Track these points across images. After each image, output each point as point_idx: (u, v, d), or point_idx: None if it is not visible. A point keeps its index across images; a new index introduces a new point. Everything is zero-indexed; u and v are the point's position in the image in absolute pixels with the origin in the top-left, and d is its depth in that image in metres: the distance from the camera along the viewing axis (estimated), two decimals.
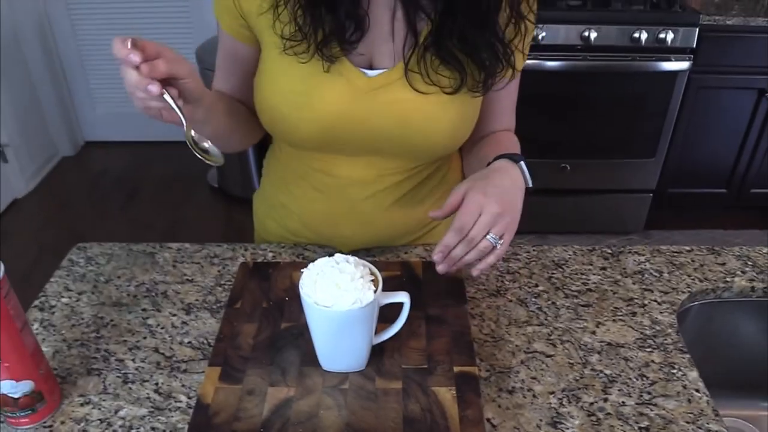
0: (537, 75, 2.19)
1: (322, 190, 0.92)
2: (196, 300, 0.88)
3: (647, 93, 2.28)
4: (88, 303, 0.88)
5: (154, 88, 0.66)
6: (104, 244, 1.00)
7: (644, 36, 2.15)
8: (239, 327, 0.77)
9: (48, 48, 3.05)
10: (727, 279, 0.93)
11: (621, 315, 0.86)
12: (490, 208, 0.72)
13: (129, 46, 0.65)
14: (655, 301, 0.89)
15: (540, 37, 2.14)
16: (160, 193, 2.98)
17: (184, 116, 0.70)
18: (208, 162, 0.75)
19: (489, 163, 0.82)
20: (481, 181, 0.75)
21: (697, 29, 2.18)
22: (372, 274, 0.69)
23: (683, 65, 2.20)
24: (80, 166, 3.25)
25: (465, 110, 0.86)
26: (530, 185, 0.81)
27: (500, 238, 0.73)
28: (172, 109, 0.69)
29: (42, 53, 3.01)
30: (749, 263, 0.97)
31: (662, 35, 2.15)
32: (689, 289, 0.91)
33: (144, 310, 0.86)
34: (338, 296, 0.63)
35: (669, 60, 2.20)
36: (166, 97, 0.68)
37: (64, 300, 0.89)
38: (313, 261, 0.70)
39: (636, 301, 0.89)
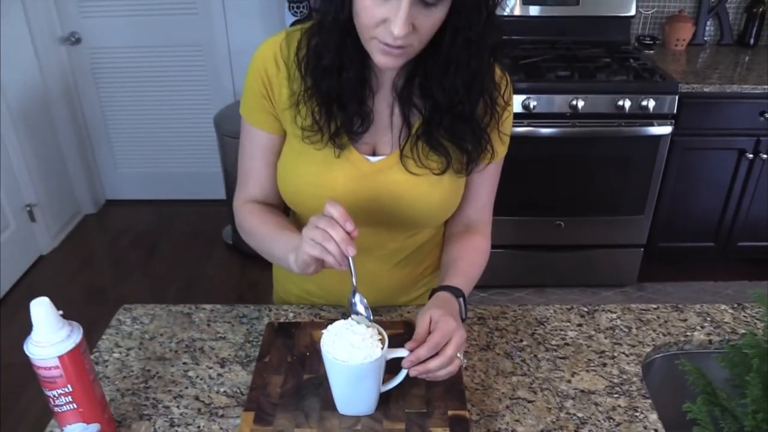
0: (532, 140, 2.37)
1: None
2: (229, 355, 1.02)
3: (634, 155, 2.46)
4: (136, 357, 1.03)
5: (352, 249, 0.81)
6: (147, 305, 1.15)
7: (628, 104, 2.33)
8: (268, 378, 0.92)
9: (74, 111, 3.27)
10: (688, 333, 1.08)
11: (593, 366, 1.00)
12: (461, 332, 0.86)
13: (341, 210, 0.82)
14: (624, 353, 1.03)
15: (532, 106, 2.33)
16: (178, 250, 3.14)
17: (355, 277, 0.87)
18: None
19: (439, 288, 0.97)
20: (443, 310, 0.89)
21: (677, 96, 2.36)
22: (380, 333, 0.84)
23: (666, 129, 2.38)
24: (102, 224, 3.43)
25: (451, 189, 1.03)
26: (464, 318, 0.96)
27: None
28: (349, 268, 0.85)
29: (69, 116, 3.22)
30: (708, 319, 1.11)
31: (644, 103, 2.34)
32: (654, 343, 1.05)
33: (185, 363, 1.01)
34: (352, 353, 0.79)
35: (652, 125, 2.38)
36: (351, 259, 0.83)
37: (115, 355, 1.04)
38: (329, 320, 0.85)
39: (607, 353, 1.03)
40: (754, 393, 0.68)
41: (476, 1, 0.82)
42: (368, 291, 1.10)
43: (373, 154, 1.00)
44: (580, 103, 2.34)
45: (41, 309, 0.76)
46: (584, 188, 2.55)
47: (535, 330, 1.08)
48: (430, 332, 0.86)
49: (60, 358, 0.77)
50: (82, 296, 2.79)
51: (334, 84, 0.90)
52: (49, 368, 0.77)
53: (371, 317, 0.88)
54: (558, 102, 2.35)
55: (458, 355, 0.85)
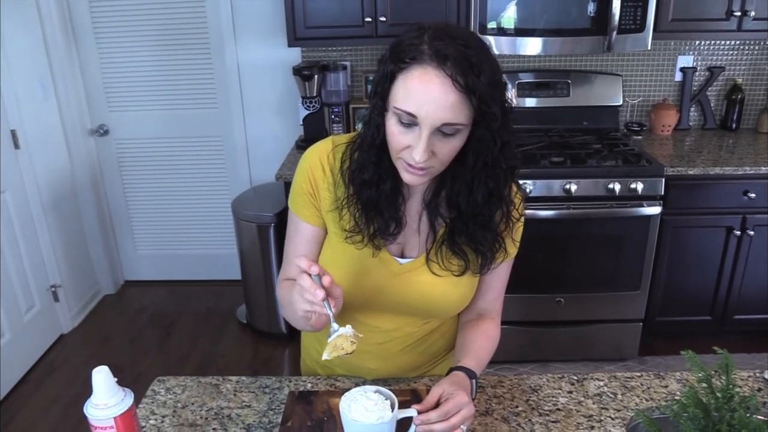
0: (531, 222, 2.43)
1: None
2: (254, 421, 1.14)
3: (626, 234, 2.61)
4: (170, 424, 1.14)
5: (320, 293, 0.91)
6: (179, 377, 1.28)
7: (618, 187, 2.51)
8: None
9: (99, 197, 3.47)
10: (668, 398, 1.19)
11: (582, 429, 1.11)
12: (470, 407, 1.00)
13: (309, 264, 0.93)
14: (610, 417, 1.14)
15: (529, 190, 2.51)
16: (194, 329, 3.26)
17: (333, 319, 0.96)
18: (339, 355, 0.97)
19: (456, 368, 1.10)
20: (457, 386, 1.02)
21: (664, 179, 2.54)
22: (390, 399, 0.96)
23: (655, 210, 2.54)
24: (120, 304, 3.56)
25: (468, 287, 1.18)
26: (474, 398, 1.09)
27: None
28: (326, 311, 0.94)
29: (93, 202, 3.43)
30: (687, 385, 1.22)
31: (633, 185, 2.51)
32: (637, 407, 1.16)
33: (214, 429, 1.13)
34: (367, 415, 0.91)
35: (642, 206, 2.54)
36: (325, 303, 0.93)
37: (151, 422, 1.15)
38: (343, 389, 0.98)
39: (594, 417, 1.14)
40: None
41: (491, 133, 0.98)
42: (384, 366, 1.25)
43: (402, 255, 1.16)
44: (573, 187, 2.51)
45: (101, 376, 0.89)
46: (582, 266, 2.68)
47: (530, 397, 1.20)
48: (439, 402, 1.00)
49: (115, 419, 0.89)
50: None
51: (372, 193, 1.07)
52: (105, 428, 0.89)
53: (350, 331, 0.98)
54: (553, 186, 2.53)
55: (462, 426, 0.98)
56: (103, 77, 3.28)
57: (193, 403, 1.20)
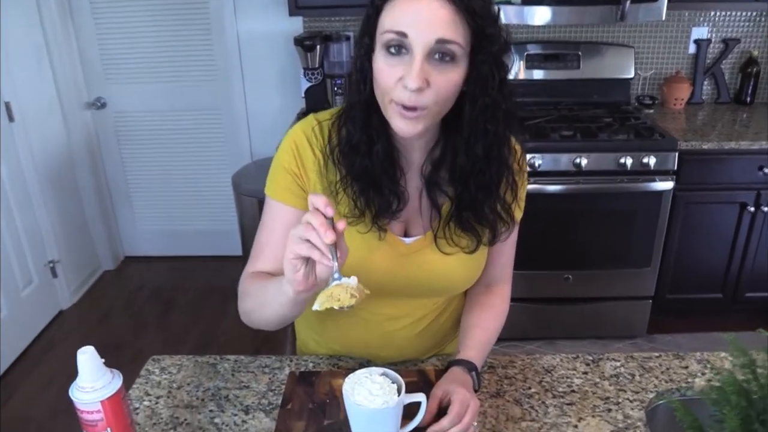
0: (538, 198, 2.46)
1: (365, 325, 1.16)
2: (253, 402, 1.08)
3: (637, 210, 2.54)
4: (165, 405, 1.09)
5: (330, 234, 0.78)
6: (174, 356, 1.22)
7: (629, 161, 2.43)
8: (291, 424, 0.98)
9: (97, 172, 3.41)
10: (689, 380, 1.13)
11: (599, 411, 1.05)
12: (475, 401, 0.95)
13: (326, 203, 0.80)
14: (628, 399, 1.08)
15: (537, 164, 2.43)
16: (194, 306, 3.21)
17: (337, 269, 0.82)
18: (341, 307, 0.83)
19: (454, 362, 1.05)
20: (456, 383, 0.98)
21: (677, 153, 2.46)
22: (397, 382, 0.90)
23: (667, 185, 2.47)
24: (120, 280, 3.51)
25: (480, 261, 1.12)
26: (477, 390, 1.05)
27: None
28: (330, 261, 0.80)
29: (92, 176, 3.36)
30: (708, 366, 1.16)
31: (645, 160, 2.43)
32: (656, 389, 1.10)
33: (211, 411, 1.07)
34: (371, 399, 0.85)
35: (654, 181, 2.46)
36: (331, 249, 0.79)
37: (145, 403, 1.10)
38: (347, 369, 0.92)
39: (611, 399, 1.08)
40: (732, 425, 0.75)
41: (489, 67, 0.91)
42: (391, 352, 1.18)
43: (405, 235, 1.09)
44: (584, 161, 2.43)
45: (87, 357, 0.83)
46: (591, 242, 2.62)
47: (543, 378, 1.14)
48: (440, 405, 0.96)
49: (102, 402, 0.83)
50: (100, 350, 2.80)
51: (366, 162, 0.99)
52: (92, 412, 0.84)
53: (354, 282, 0.85)
54: (562, 160, 2.45)
55: (473, 422, 0.93)
56: (99, 48, 3.20)
57: (189, 384, 1.14)
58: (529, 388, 1.11)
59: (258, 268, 1.08)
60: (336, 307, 0.82)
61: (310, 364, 1.18)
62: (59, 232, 3.12)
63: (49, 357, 2.81)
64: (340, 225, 0.81)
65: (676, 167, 2.47)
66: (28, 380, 2.63)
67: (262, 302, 0.99)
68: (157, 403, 1.10)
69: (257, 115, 3.23)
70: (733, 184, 2.58)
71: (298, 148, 1.04)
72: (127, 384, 1.13)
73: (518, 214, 1.13)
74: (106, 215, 3.51)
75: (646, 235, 2.58)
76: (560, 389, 1.11)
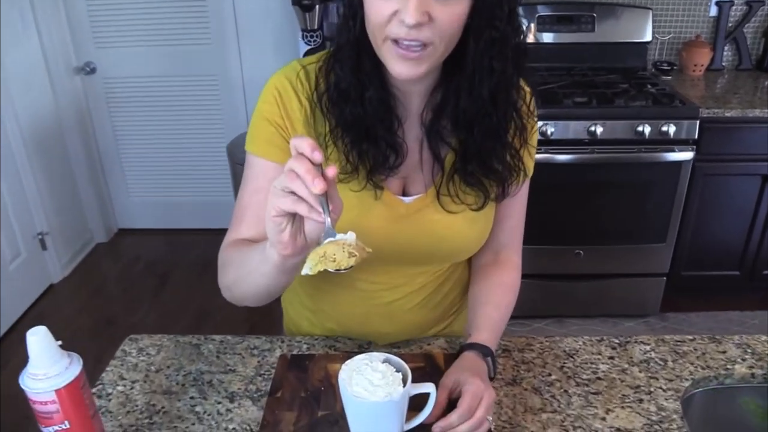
0: (549, 168, 2.32)
1: (361, 296, 1.03)
2: (239, 389, 0.97)
3: (654, 181, 2.40)
4: (141, 391, 0.97)
5: (319, 183, 0.65)
6: (154, 336, 1.10)
7: (648, 129, 2.28)
8: (280, 415, 0.86)
9: (88, 140, 3.27)
10: (728, 366, 1.00)
11: (629, 402, 0.93)
12: (490, 392, 0.83)
13: (313, 146, 0.66)
14: (661, 388, 0.96)
15: (549, 132, 2.29)
16: (190, 280, 3.10)
17: (330, 225, 0.68)
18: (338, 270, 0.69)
19: (466, 346, 0.92)
20: (469, 372, 0.85)
21: (698, 122, 2.31)
22: (402, 370, 0.78)
23: (687, 155, 2.33)
24: (113, 253, 3.40)
25: (488, 220, 0.99)
26: (493, 377, 0.92)
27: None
28: (320, 215, 0.66)
29: (82, 145, 3.22)
30: (749, 351, 1.04)
31: (665, 128, 2.29)
32: (692, 377, 0.98)
33: (192, 398, 0.95)
34: (372, 390, 0.73)
35: (673, 151, 2.32)
36: (322, 201, 0.66)
37: (119, 388, 0.98)
38: (345, 353, 0.79)
39: (642, 388, 0.96)
40: None
41: None
42: (393, 327, 1.06)
43: (404, 194, 0.96)
44: (599, 129, 2.29)
45: (38, 339, 0.71)
46: (604, 216, 2.49)
47: (564, 363, 1.02)
48: (451, 396, 0.84)
49: (57, 392, 0.71)
50: (92, 326, 2.74)
51: (357, 109, 0.86)
52: (45, 403, 0.72)
53: (352, 238, 0.70)
54: (576, 128, 2.31)
55: (488, 416, 0.81)
56: (88, 9, 3.03)
57: (168, 367, 1.02)
58: (549, 374, 0.99)
59: (240, 236, 0.95)
60: (331, 270, 0.67)
61: (304, 346, 1.06)
62: (48, 202, 2.99)
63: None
64: (331, 171, 0.67)
65: (697, 136, 2.33)
66: (17, 356, 2.53)
67: (244, 273, 0.86)
68: (132, 388, 0.98)
69: (254, 81, 3.08)
70: (756, 155, 2.43)
71: (282, 96, 0.90)
72: (106, 365, 1.03)
73: (530, 164, 1.00)
74: (98, 186, 3.38)
75: (662, 209, 2.45)
76: (584, 376, 0.99)
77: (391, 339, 1.07)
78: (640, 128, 2.29)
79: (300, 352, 1.03)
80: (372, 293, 1.02)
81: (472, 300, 1.03)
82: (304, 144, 0.67)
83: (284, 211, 0.68)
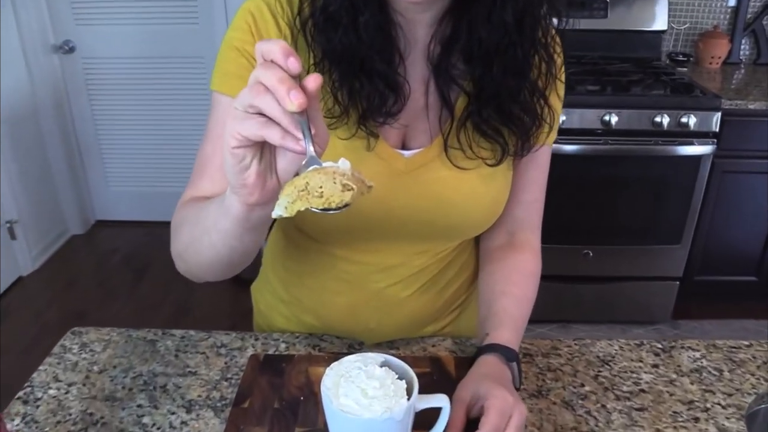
0: (557, 159, 2.08)
1: (345, 280, 0.84)
2: (199, 396, 0.78)
3: (671, 177, 2.23)
4: (77, 396, 0.78)
5: (296, 96, 0.47)
6: (102, 329, 0.91)
7: (666, 120, 2.11)
8: (247, 430, 0.67)
9: (65, 124, 3.07)
10: None
11: (682, 421, 0.75)
12: (520, 408, 0.65)
13: (287, 52, 0.49)
14: (719, 404, 0.78)
15: (560, 120, 2.11)
16: (169, 274, 2.88)
17: (313, 152, 0.49)
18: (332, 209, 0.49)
19: (485, 348, 0.74)
20: (491, 380, 0.68)
21: (719, 113, 2.14)
22: (406, 377, 0.59)
23: (707, 149, 2.16)
24: (90, 245, 3.20)
25: (505, 183, 0.81)
26: (518, 387, 0.75)
27: None
28: (297, 141, 0.49)
29: (58, 129, 3.02)
30: None
31: (684, 119, 2.12)
32: (755, 390, 0.81)
33: (139, 406, 0.76)
34: (366, 405, 0.54)
35: (692, 144, 2.15)
36: (302, 123, 0.49)
37: (51, 392, 0.79)
38: (332, 353, 0.61)
39: (697, 404, 0.78)
40: None
41: None
42: (388, 322, 0.87)
43: (404, 146, 0.77)
44: (614, 119, 2.12)
45: None
46: (615, 213, 2.31)
47: (599, 371, 0.84)
48: (469, 413, 0.66)
49: None
50: (61, 321, 2.54)
51: (349, 37, 0.67)
52: None
53: (346, 167, 0.51)
54: (589, 117, 2.13)
55: None
56: None
57: (115, 367, 0.83)
58: (582, 385, 0.81)
59: (200, 193, 0.76)
60: (316, 209, 0.48)
61: (282, 345, 0.87)
62: (19, 189, 2.79)
63: (4, 327, 2.50)
64: (312, 82, 0.49)
65: (717, 128, 2.16)
66: None
67: (198, 233, 0.67)
68: (67, 392, 0.79)
69: None
70: None
71: (257, 22, 0.71)
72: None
73: (557, 107, 0.81)
74: (75, 175, 3.18)
75: (678, 207, 2.27)
76: (624, 388, 0.81)
77: (381, 337, 0.88)
78: (657, 119, 2.12)
79: (276, 352, 0.85)
80: (359, 277, 0.83)
81: (486, 290, 0.85)
82: (275, 48, 0.48)
83: (248, 139, 0.50)
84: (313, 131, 0.49)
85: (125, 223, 3.33)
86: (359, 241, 0.81)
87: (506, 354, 0.73)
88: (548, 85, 0.77)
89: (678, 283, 2.45)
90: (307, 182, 0.47)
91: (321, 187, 0.47)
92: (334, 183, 0.47)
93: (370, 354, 0.60)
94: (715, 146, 2.17)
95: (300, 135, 0.48)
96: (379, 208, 0.75)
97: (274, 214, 0.49)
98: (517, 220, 0.87)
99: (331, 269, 0.84)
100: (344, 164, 0.49)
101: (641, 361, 0.86)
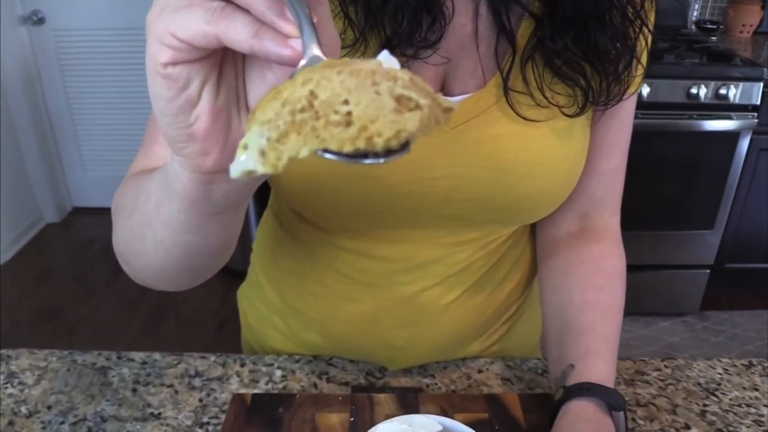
0: None
1: (361, 283, 0.62)
2: None
3: (705, 155, 2.02)
4: None
5: None
6: (38, 352, 0.69)
7: (702, 91, 1.90)
8: None
9: (36, 103, 2.83)
10: None
11: None
12: None
13: None
14: None
15: None
16: None
17: (316, 38, 0.28)
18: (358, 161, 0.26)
19: (572, 390, 0.52)
20: None
21: (761, 84, 1.93)
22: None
23: (747, 124, 1.95)
24: (66, 235, 2.97)
25: (585, 142, 0.59)
26: None
27: None
28: (284, 41, 0.27)
29: (29, 108, 2.79)
30: None
31: (723, 91, 1.90)
32: None
33: None
34: None
35: (730, 118, 1.94)
36: (300, 13, 0.29)
37: None
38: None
39: None
40: None
41: None
42: (418, 340, 0.63)
43: (443, 92, 0.55)
44: (644, 90, 1.90)
45: None
46: (642, 196, 2.10)
47: (705, 405, 0.62)
48: None
49: None
50: (32, 317, 2.33)
51: None
52: None
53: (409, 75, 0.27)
54: None
55: None
56: None
57: (50, 408, 0.61)
58: (687, 426, 0.60)
59: (152, 163, 0.54)
60: (335, 153, 0.23)
61: (278, 372, 0.65)
62: None
63: None
64: None
65: (759, 101, 1.94)
66: None
67: (139, 228, 0.45)
68: None
69: None
70: None
71: None
72: None
73: (644, 65, 0.58)
74: (48, 158, 2.94)
75: (712, 189, 2.07)
76: (744, 429, 0.59)
77: (410, 360, 0.66)
78: (694, 90, 1.90)
79: (269, 388, 0.63)
80: (381, 278, 0.61)
81: (555, 298, 0.63)
82: None
83: (191, 44, 0.29)
84: (315, 19, 0.27)
85: (104, 210, 3.08)
86: (381, 228, 0.58)
87: (608, 399, 0.51)
88: (638, 16, 0.55)
89: (708, 271, 2.25)
90: (311, 90, 0.23)
91: (346, 102, 0.23)
92: (377, 94, 0.23)
93: (418, 417, 0.38)
94: (756, 120, 1.95)
95: (290, 26, 0.26)
96: (411, 180, 0.53)
97: (234, 172, 0.26)
98: (593, 198, 0.65)
99: (339, 268, 0.61)
100: (390, 61, 0.26)
101: (757, 389, 0.64)
